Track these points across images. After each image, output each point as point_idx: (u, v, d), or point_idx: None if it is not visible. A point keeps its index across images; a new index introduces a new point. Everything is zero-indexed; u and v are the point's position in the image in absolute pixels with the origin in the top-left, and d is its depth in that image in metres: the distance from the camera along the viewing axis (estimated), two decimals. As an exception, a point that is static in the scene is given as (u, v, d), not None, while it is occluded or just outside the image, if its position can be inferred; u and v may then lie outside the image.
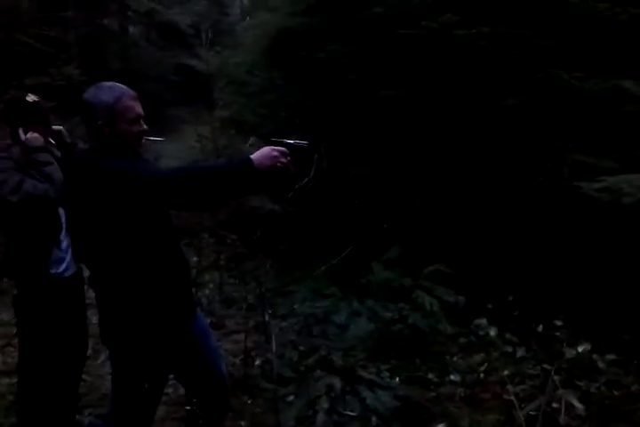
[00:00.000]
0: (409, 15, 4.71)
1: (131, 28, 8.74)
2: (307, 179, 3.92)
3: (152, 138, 2.50)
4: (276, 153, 2.07)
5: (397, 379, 3.49)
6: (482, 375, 3.44)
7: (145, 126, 2.23)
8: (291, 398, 3.38)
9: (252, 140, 7.37)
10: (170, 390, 3.38)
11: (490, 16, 4.28)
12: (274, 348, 3.24)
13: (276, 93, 6.30)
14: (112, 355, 2.31)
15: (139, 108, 2.20)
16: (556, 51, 4.02)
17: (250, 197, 6.13)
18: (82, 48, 8.22)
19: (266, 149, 2.07)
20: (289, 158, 2.10)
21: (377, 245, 4.68)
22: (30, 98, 2.98)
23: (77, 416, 3.20)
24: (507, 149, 4.30)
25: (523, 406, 3.04)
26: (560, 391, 3.15)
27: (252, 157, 2.05)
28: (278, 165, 2.06)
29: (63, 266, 3.00)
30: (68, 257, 2.99)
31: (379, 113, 5.03)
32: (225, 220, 5.54)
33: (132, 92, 2.20)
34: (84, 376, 3.68)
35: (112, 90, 2.17)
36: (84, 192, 2.13)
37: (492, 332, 3.83)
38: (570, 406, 3.12)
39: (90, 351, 3.46)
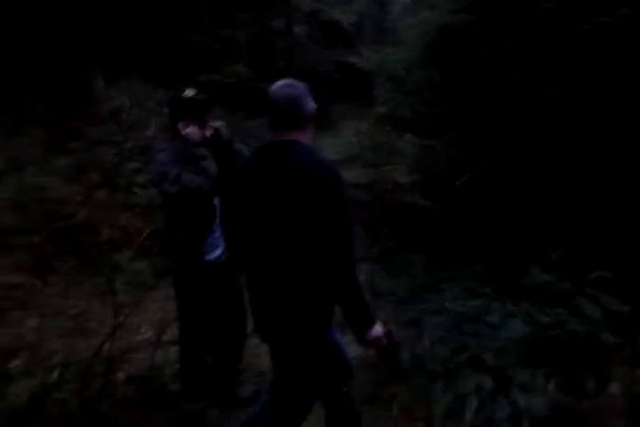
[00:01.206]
0: (581, 10, 4.50)
1: (296, 28, 9.08)
2: (466, 176, 3.90)
3: None
4: (382, 341, 2.36)
5: (552, 385, 3.37)
6: (646, 391, 3.23)
7: None
8: (439, 392, 3.38)
9: (407, 136, 7.40)
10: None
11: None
12: (426, 342, 3.26)
13: (434, 91, 6.26)
14: (278, 347, 2.47)
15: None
16: None
17: (403, 193, 6.18)
18: (251, 47, 8.69)
19: (381, 332, 2.35)
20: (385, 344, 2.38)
21: (535, 248, 4.53)
22: (188, 93, 3.17)
23: (236, 389, 3.42)
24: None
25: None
26: None
27: (375, 325, 2.33)
28: (375, 345, 2.37)
29: (217, 252, 3.21)
30: (222, 244, 3.16)
31: (542, 111, 4.85)
32: (379, 214, 5.62)
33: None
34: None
35: (304, 86, 2.36)
36: (289, 189, 2.24)
37: (660, 345, 3.58)
38: None
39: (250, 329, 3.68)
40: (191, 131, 3.13)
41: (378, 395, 3.41)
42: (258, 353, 3.96)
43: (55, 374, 3.39)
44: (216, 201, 3.17)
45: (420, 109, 6.40)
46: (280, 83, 2.33)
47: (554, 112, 4.77)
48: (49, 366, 3.58)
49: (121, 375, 3.44)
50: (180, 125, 3.14)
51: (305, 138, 2.33)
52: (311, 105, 2.33)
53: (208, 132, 3.19)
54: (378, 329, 2.34)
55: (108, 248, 4.59)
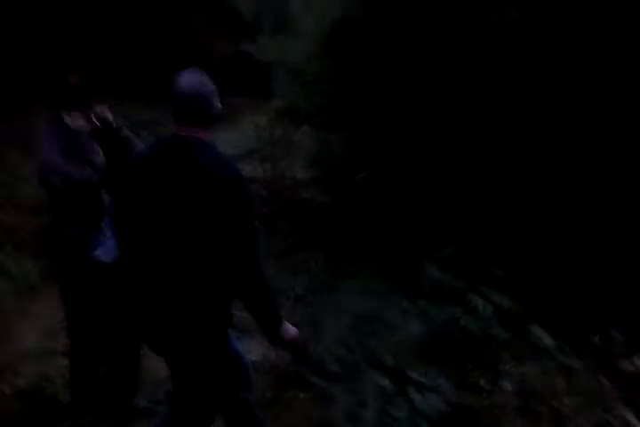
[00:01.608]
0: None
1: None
2: (363, 172, 3.89)
3: None
4: (297, 341, 2.33)
5: (448, 383, 3.45)
6: (538, 386, 3.36)
7: None
8: (339, 394, 3.37)
9: (305, 130, 7.36)
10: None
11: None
12: (325, 342, 3.23)
13: (332, 83, 6.25)
14: (173, 359, 2.35)
15: None
16: None
17: (302, 189, 6.15)
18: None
19: (295, 334, 2.32)
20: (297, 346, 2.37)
21: (429, 245, 4.62)
22: (72, 79, 2.95)
23: (133, 400, 3.24)
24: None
25: (578, 420, 2.96)
26: (617, 406, 3.07)
27: (284, 324, 2.29)
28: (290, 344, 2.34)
29: (105, 251, 3.02)
30: (111, 243, 2.97)
31: (434, 106, 4.95)
32: (277, 210, 5.55)
33: None
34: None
35: (206, 78, 2.24)
36: (186, 188, 2.12)
37: (548, 341, 3.75)
38: (626, 423, 3.04)
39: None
40: (76, 119, 2.93)
41: (278, 399, 3.35)
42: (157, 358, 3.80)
43: None
44: (105, 197, 2.98)
45: (318, 102, 6.37)
46: (187, 76, 2.20)
47: (445, 106, 4.86)
48: None
49: (7, 388, 3.19)
50: (64, 114, 2.94)
51: (207, 137, 2.22)
52: (218, 105, 2.23)
53: (94, 120, 2.97)
54: (291, 328, 2.30)
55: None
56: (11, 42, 6.20)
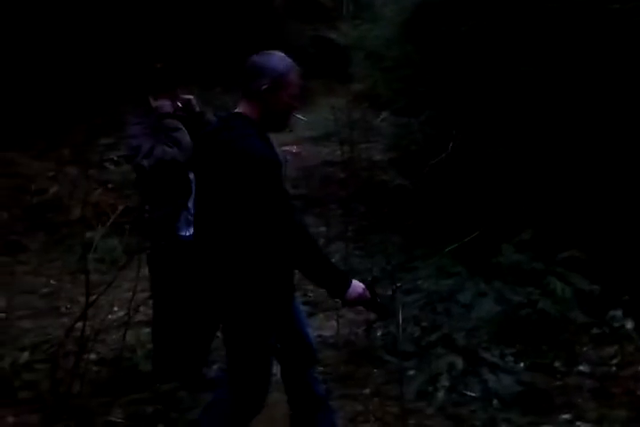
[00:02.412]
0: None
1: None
2: (443, 155, 3.87)
3: (299, 115, 2.58)
4: (361, 291, 2.25)
5: (522, 364, 3.42)
6: (614, 369, 3.29)
7: (297, 104, 2.26)
8: (411, 372, 3.41)
9: (384, 114, 7.36)
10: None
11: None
12: (400, 321, 3.26)
13: (411, 68, 6.20)
14: (227, 325, 2.38)
15: (300, 86, 2.25)
16: None
17: (379, 171, 6.16)
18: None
19: (361, 288, 2.25)
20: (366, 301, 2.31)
21: (508, 227, 4.55)
22: (158, 65, 3.12)
23: (204, 369, 3.38)
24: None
25: (657, 404, 2.89)
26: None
27: (350, 284, 2.23)
28: (359, 301, 2.28)
29: (192, 229, 3.17)
30: None
31: (518, 90, 4.84)
32: (354, 192, 5.60)
33: (299, 69, 2.25)
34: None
35: (285, 60, 2.23)
36: (220, 165, 2.17)
37: (629, 324, 3.64)
38: None
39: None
40: (162, 102, 3.09)
41: (350, 375, 3.43)
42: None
43: (25, 355, 3.35)
44: (191, 176, 3.10)
45: (398, 87, 6.35)
46: (264, 52, 2.25)
47: (530, 90, 4.75)
48: (19, 347, 3.55)
49: (93, 356, 3.41)
50: (151, 98, 3.10)
51: (254, 113, 2.21)
52: (269, 80, 2.17)
53: (179, 104, 3.14)
54: (357, 284, 2.26)
55: (79, 226, 4.52)
56: (100, 34, 6.51)
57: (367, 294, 2.28)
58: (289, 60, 2.24)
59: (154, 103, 3.09)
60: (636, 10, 3.98)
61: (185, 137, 3.10)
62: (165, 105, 3.09)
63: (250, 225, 2.16)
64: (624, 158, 4.24)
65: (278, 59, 2.22)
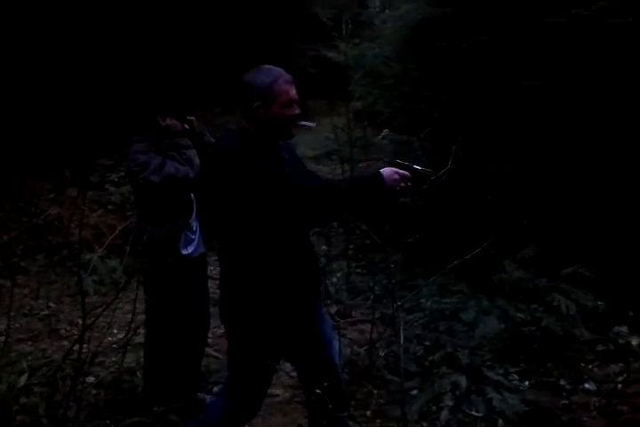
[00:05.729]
0: (559, 3, 4.49)
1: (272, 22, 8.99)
2: (442, 171, 3.85)
3: (304, 122, 2.60)
4: (397, 176, 2.11)
5: (527, 383, 3.37)
6: (620, 386, 3.23)
7: (298, 110, 2.27)
8: (414, 392, 3.36)
9: (385, 131, 7.35)
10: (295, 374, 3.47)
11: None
12: (401, 340, 3.22)
13: (411, 85, 6.22)
14: (230, 332, 2.40)
15: (293, 92, 2.24)
16: None
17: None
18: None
19: (388, 171, 2.11)
20: (409, 184, 2.12)
21: (510, 244, 4.51)
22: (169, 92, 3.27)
23: (199, 394, 3.33)
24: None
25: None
26: None
27: (378, 178, 2.09)
28: (397, 188, 2.10)
29: (192, 247, 3.16)
30: (197, 239, 3.15)
31: (519, 106, 4.84)
32: (355, 210, 5.57)
33: (288, 76, 2.25)
34: (216, 354, 3.88)
35: (270, 71, 2.24)
36: (223, 179, 2.20)
37: (634, 341, 3.59)
38: None
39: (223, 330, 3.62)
40: (173, 122, 3.14)
41: (352, 395, 3.37)
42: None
43: (23, 379, 3.31)
44: (192, 195, 3.16)
45: (398, 104, 6.36)
46: (251, 69, 2.28)
47: (529, 105, 4.75)
48: (17, 370, 3.51)
49: (91, 379, 3.37)
50: (159, 118, 3.13)
51: (253, 127, 2.25)
52: (257, 97, 2.19)
53: (185, 125, 3.20)
54: (384, 172, 2.11)
55: (78, 247, 4.51)
56: (103, 56, 6.56)
57: (400, 171, 2.12)
58: (275, 70, 2.25)
59: (163, 123, 3.12)
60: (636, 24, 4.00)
61: (195, 156, 3.15)
62: (177, 124, 3.14)
63: (253, 218, 2.17)
64: (625, 174, 4.22)
65: (263, 73, 2.24)
